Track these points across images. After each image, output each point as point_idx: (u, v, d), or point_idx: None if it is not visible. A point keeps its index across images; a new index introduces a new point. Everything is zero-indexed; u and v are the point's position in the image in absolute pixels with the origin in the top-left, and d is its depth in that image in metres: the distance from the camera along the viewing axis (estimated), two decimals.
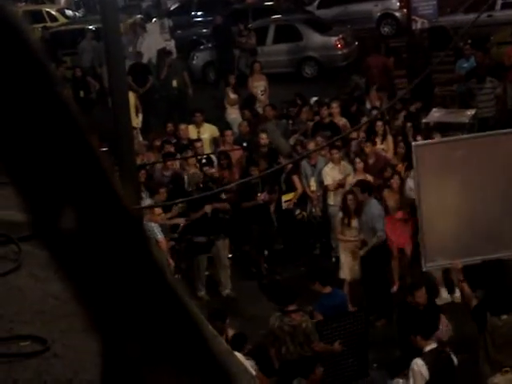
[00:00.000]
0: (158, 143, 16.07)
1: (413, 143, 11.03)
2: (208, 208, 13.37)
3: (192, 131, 16.97)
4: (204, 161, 15.17)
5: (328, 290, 10.77)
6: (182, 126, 16.87)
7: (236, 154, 15.67)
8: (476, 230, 10.19)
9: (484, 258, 10.11)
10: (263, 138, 15.43)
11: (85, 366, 2.67)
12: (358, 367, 10.57)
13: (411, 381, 9.14)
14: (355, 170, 14.24)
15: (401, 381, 9.47)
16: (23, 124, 0.93)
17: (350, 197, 12.74)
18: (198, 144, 15.69)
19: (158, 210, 12.63)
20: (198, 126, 17.07)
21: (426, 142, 12.09)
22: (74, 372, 2.68)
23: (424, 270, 10.59)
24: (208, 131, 17.05)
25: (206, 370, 1.03)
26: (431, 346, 9.26)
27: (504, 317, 9.28)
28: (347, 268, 12.80)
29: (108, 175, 0.98)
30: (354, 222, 12.69)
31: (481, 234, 10.17)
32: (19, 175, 0.94)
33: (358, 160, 14.23)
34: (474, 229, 10.18)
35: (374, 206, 12.76)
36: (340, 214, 12.90)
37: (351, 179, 14.01)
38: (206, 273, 13.68)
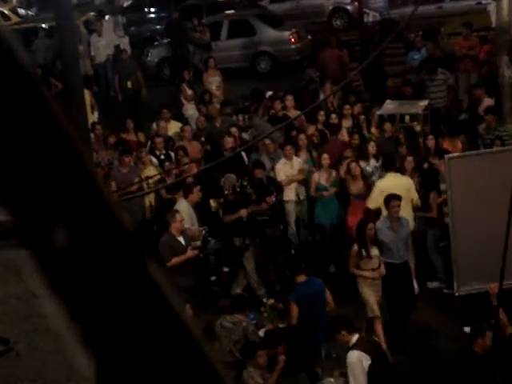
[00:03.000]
0: (112, 140, 16.13)
1: (446, 156, 9.73)
2: (243, 212, 13.15)
3: (160, 128, 16.97)
4: (163, 157, 15.27)
5: (303, 278, 10.74)
6: (162, 124, 16.92)
7: (194, 150, 15.75)
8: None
9: None
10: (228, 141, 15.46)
11: (48, 366, 2.73)
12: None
13: (351, 378, 9.07)
14: (319, 165, 14.29)
15: (331, 380, 9.52)
16: (14, 141, 0.95)
17: (370, 226, 11.48)
18: (158, 140, 15.76)
19: (179, 217, 12.05)
20: (166, 122, 17.14)
21: (460, 154, 10.50)
22: (38, 372, 2.74)
23: (457, 294, 9.61)
24: (174, 128, 17.12)
25: None
26: (355, 336, 9.26)
27: None
28: (375, 304, 11.31)
29: (101, 191, 0.99)
30: (374, 251, 11.39)
31: None
32: (10, 192, 0.95)
33: (325, 156, 14.15)
34: (508, 250, 8.78)
35: (407, 225, 12.00)
36: (355, 247, 11.44)
37: (317, 176, 14.07)
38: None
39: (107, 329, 0.97)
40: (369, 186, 13.44)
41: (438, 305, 12.09)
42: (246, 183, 13.44)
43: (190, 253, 12.01)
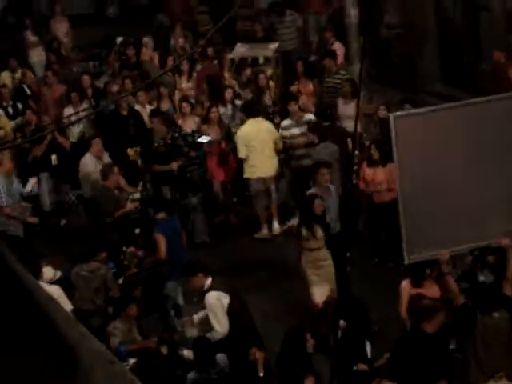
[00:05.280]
0: None
1: (391, 114, 8.77)
2: (175, 165, 12.90)
3: (6, 77, 16.64)
4: (10, 109, 14.94)
5: (163, 215, 10.83)
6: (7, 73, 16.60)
7: (56, 93, 15.42)
8: (462, 215, 8.74)
9: (471, 246, 9.02)
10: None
11: None
12: None
13: (212, 318, 9.23)
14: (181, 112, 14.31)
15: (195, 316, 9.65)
16: None
17: (318, 202, 10.49)
18: (4, 90, 15.35)
19: (116, 170, 11.77)
20: (13, 71, 16.78)
21: (405, 112, 9.45)
22: None
23: (406, 263, 8.91)
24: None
25: (49, 346, 1.00)
26: (210, 279, 9.38)
27: (495, 315, 8.32)
28: (324, 289, 10.23)
29: None
30: (318, 232, 10.38)
31: (467, 219, 8.73)
32: None
33: (184, 104, 14.13)
34: (459, 214, 8.72)
35: (334, 193, 11.35)
36: (293, 223, 10.78)
37: (180, 121, 14.01)
38: None
39: None
40: (226, 131, 13.57)
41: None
42: (176, 135, 13.33)
43: (130, 205, 11.71)
